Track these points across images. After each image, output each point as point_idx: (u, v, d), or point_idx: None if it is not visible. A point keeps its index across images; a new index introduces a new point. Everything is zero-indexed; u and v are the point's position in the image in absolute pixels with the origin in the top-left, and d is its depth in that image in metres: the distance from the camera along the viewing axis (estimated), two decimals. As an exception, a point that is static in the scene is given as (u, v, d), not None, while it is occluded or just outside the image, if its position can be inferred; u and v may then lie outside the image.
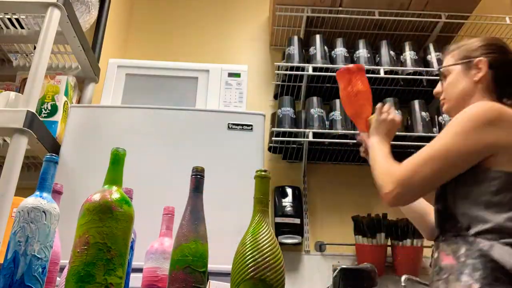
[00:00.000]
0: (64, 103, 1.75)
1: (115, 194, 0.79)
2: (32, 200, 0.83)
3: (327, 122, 2.30)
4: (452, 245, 1.03)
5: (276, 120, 2.33)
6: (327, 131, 2.23)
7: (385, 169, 1.14)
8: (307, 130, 2.23)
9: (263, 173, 0.86)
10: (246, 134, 1.69)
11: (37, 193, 0.85)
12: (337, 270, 0.73)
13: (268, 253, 0.78)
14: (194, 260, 0.81)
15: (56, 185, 0.96)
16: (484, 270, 0.94)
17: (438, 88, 1.29)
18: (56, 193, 0.95)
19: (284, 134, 2.25)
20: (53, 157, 0.88)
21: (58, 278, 0.95)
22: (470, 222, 1.02)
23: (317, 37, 2.47)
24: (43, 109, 1.70)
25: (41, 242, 0.80)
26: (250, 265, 0.77)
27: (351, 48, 2.49)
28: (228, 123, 1.69)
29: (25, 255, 0.78)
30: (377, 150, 1.22)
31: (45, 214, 0.82)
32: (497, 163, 1.03)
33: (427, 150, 1.07)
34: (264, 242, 0.79)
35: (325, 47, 2.44)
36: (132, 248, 0.96)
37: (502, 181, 1.01)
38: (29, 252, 0.78)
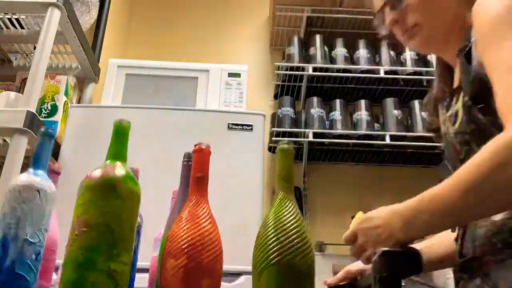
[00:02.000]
0: (64, 103, 1.75)
1: (119, 169, 0.69)
2: (24, 178, 0.72)
3: (327, 122, 2.30)
4: None
5: (276, 120, 2.33)
6: (327, 131, 2.24)
7: (478, 170, 0.62)
8: (307, 130, 2.23)
9: (285, 145, 0.73)
10: (246, 134, 1.68)
11: (30, 170, 0.74)
12: (377, 254, 0.64)
13: (295, 235, 0.66)
14: None
15: (53, 164, 0.85)
16: None
17: (393, 16, 0.92)
18: (54, 173, 0.84)
19: (284, 134, 2.25)
20: (49, 131, 0.78)
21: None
22: None
23: (317, 37, 2.47)
24: (43, 109, 1.70)
25: (35, 224, 0.69)
26: (274, 249, 0.65)
27: (351, 48, 2.49)
28: (228, 123, 1.68)
29: (16, 239, 0.68)
30: (425, 205, 0.69)
31: (39, 193, 0.70)
32: None
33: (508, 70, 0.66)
34: (290, 223, 0.66)
35: (325, 47, 2.44)
36: (138, 233, 0.85)
37: None
38: (21, 236, 0.68)
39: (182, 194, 0.80)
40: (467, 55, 0.78)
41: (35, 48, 1.65)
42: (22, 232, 0.68)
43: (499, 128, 0.65)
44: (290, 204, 0.69)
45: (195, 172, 0.73)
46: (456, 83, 0.86)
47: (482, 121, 0.73)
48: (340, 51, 2.42)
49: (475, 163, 0.63)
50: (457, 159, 0.80)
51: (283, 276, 0.64)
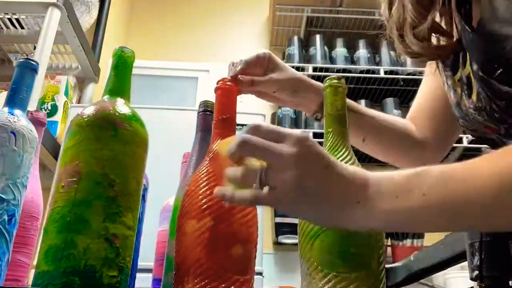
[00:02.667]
0: (64, 103, 1.75)
1: (120, 106, 0.53)
2: None
3: (327, 122, 2.30)
4: None
5: (276, 120, 2.34)
6: (327, 131, 2.23)
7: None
8: (307, 130, 2.23)
9: (334, 81, 0.56)
10: (246, 134, 1.68)
11: (5, 109, 0.58)
12: (475, 244, 0.44)
13: None
14: None
15: (38, 114, 0.70)
16: None
17: None
18: (38, 124, 0.67)
19: (284, 134, 2.25)
20: (29, 62, 0.62)
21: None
22: None
23: (317, 37, 2.47)
24: (43, 109, 1.70)
25: (8, 176, 0.53)
26: None
27: (351, 48, 2.49)
28: (228, 123, 1.68)
29: (-19, 194, 0.51)
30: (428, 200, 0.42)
31: (15, 136, 0.55)
32: None
33: None
34: None
35: (325, 47, 2.44)
36: (144, 198, 0.68)
37: None
38: None
39: (197, 156, 0.65)
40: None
41: (35, 48, 1.65)
42: None
43: None
44: (345, 151, 0.52)
45: (219, 114, 0.56)
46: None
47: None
48: (340, 51, 2.42)
49: None
50: (493, 135, 0.60)
51: (345, 241, 0.46)
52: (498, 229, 0.46)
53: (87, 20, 1.89)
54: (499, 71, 0.50)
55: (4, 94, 1.62)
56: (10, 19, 1.69)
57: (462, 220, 0.41)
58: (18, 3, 1.57)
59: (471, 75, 0.56)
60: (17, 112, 0.58)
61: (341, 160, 0.50)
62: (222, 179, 0.46)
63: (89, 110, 0.52)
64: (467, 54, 0.57)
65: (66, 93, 1.77)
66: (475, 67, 0.54)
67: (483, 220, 0.41)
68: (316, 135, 2.22)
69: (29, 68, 0.61)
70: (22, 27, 1.73)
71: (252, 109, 1.88)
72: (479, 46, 0.53)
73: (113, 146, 0.50)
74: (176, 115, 1.71)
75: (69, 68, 1.93)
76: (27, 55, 1.90)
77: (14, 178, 0.54)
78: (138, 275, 0.64)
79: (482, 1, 0.52)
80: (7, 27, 1.73)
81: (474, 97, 0.57)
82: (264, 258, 1.67)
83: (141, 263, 0.66)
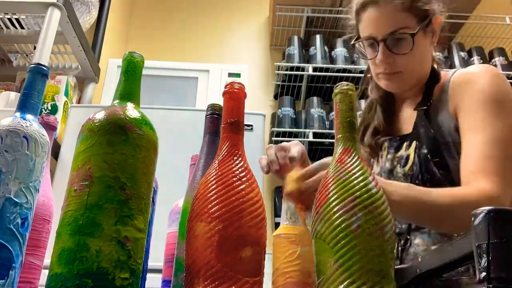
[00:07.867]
0: (64, 103, 1.74)
1: (131, 111, 0.54)
2: (8, 122, 0.56)
3: (327, 122, 2.30)
4: None
5: (276, 120, 2.33)
6: (327, 131, 2.24)
7: (447, 204, 0.74)
8: (307, 130, 2.23)
9: (344, 87, 0.56)
10: (246, 134, 1.67)
11: (17, 113, 0.58)
12: (482, 214, 0.45)
13: (368, 199, 0.49)
14: None
15: (48, 117, 0.70)
16: None
17: (384, 56, 0.91)
18: (48, 128, 0.68)
19: (284, 134, 2.25)
20: (40, 67, 0.62)
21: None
22: None
23: (317, 37, 2.47)
24: (43, 109, 1.69)
25: (21, 180, 0.54)
26: (345, 216, 0.48)
27: (351, 48, 2.49)
28: (229, 123, 1.68)
29: (-6, 197, 0.52)
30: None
31: (28, 141, 0.56)
32: None
33: (490, 140, 0.79)
34: (357, 178, 0.50)
35: (325, 47, 2.44)
36: (153, 201, 0.69)
37: None
38: (2, 193, 0.52)
39: (205, 158, 0.66)
40: (426, 112, 0.91)
41: (35, 48, 1.65)
42: (3, 189, 0.53)
43: (451, 182, 0.82)
44: (354, 158, 0.53)
45: (227, 118, 0.56)
46: (404, 126, 0.97)
47: (437, 175, 0.85)
48: (340, 51, 2.42)
49: (445, 202, 0.74)
50: None
51: (362, 248, 0.47)
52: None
53: (87, 20, 1.88)
54: (437, 159, 0.85)
55: (4, 94, 1.61)
56: (10, 19, 1.69)
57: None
58: (18, 3, 1.56)
59: (412, 153, 0.89)
60: (29, 116, 0.59)
61: (352, 166, 0.52)
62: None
63: (100, 115, 0.52)
64: (415, 141, 0.89)
65: (66, 93, 1.77)
66: (425, 151, 0.87)
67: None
68: (316, 135, 2.22)
69: (41, 73, 0.62)
70: (22, 27, 1.73)
71: (252, 109, 1.88)
72: (435, 141, 0.87)
73: (124, 150, 0.50)
74: (176, 115, 1.71)
75: (69, 68, 1.93)
76: (27, 55, 1.90)
77: (26, 182, 0.55)
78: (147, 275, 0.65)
79: (432, 117, 0.89)
80: (7, 27, 1.73)
81: (407, 167, 0.89)
82: (265, 259, 1.67)
83: (150, 263, 0.67)
